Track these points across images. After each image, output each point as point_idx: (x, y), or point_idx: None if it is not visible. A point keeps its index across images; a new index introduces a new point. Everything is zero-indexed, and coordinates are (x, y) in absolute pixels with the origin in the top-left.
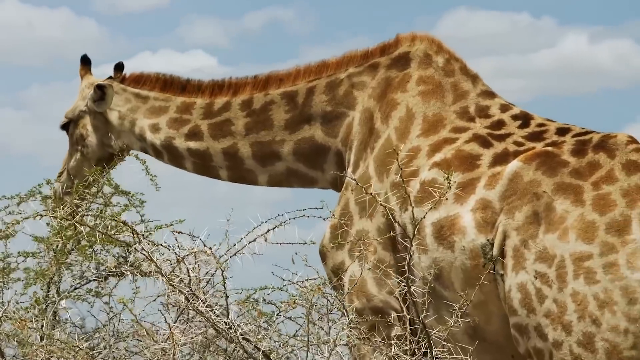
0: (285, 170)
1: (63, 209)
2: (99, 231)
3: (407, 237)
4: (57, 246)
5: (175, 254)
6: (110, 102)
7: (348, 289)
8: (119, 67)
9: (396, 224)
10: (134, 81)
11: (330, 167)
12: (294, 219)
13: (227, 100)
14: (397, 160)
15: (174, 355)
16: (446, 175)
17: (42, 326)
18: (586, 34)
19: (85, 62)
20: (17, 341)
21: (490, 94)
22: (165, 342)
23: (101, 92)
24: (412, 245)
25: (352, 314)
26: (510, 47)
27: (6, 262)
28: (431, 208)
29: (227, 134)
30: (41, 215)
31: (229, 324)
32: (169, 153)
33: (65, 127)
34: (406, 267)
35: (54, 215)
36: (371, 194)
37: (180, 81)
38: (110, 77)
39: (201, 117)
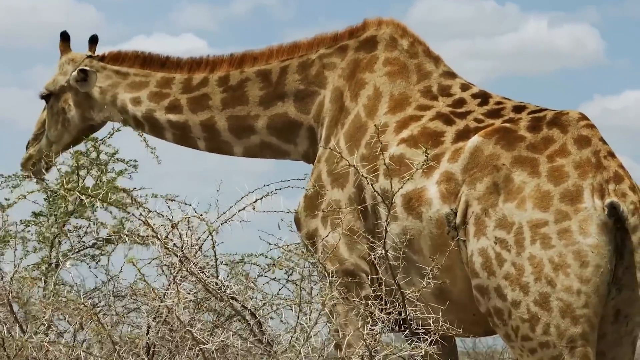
0: (259, 142)
1: (66, 178)
2: (99, 199)
3: (378, 205)
4: (58, 210)
5: (169, 220)
6: (93, 84)
7: (328, 253)
8: (94, 40)
9: (375, 193)
10: (113, 59)
11: (303, 142)
12: (280, 189)
13: (205, 76)
14: (378, 135)
15: (176, 312)
16: (424, 150)
17: (52, 284)
18: (546, 19)
19: (65, 38)
20: (19, 300)
21: (451, 74)
22: (170, 300)
23: (84, 75)
24: (389, 213)
25: (333, 276)
26: (477, 31)
27: (5, 230)
28: (409, 179)
29: (205, 108)
30: (41, 189)
31: (219, 285)
32: (149, 124)
33: (45, 98)
34: (384, 233)
35: (50, 186)
36: (354, 166)
37: (159, 58)
38: (90, 56)
39: (180, 91)
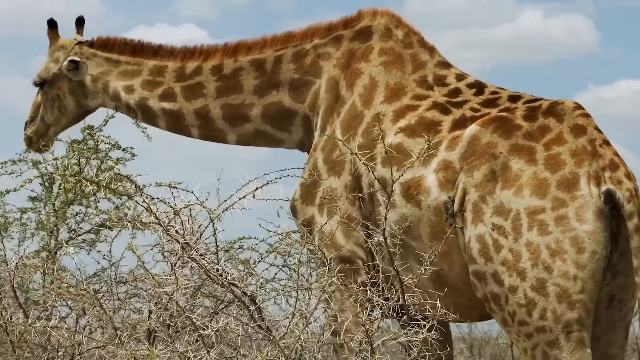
0: (253, 130)
1: (69, 162)
2: (103, 186)
3: (375, 193)
4: (56, 198)
5: (171, 207)
6: (85, 73)
7: (325, 240)
8: (80, 21)
9: (375, 181)
10: (102, 46)
11: (297, 130)
12: (280, 178)
13: (199, 65)
14: (379, 123)
15: (175, 298)
16: (426, 138)
17: (55, 270)
18: (542, 10)
19: (53, 25)
20: (21, 286)
21: (446, 65)
22: (170, 286)
23: (75, 65)
24: (389, 200)
25: (331, 262)
26: (473, 21)
27: (4, 217)
28: (409, 167)
29: (199, 96)
30: (46, 173)
31: (219, 271)
32: (142, 112)
33: (39, 85)
34: (383, 220)
35: (58, 173)
36: (355, 153)
37: (151, 47)
38: (79, 42)
39: (174, 79)
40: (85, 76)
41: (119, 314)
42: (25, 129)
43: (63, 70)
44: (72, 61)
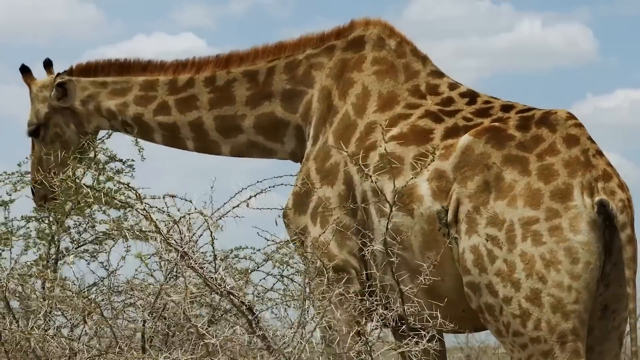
0: (246, 141)
1: (64, 172)
2: (104, 193)
3: (369, 203)
4: (57, 207)
5: (169, 215)
6: (74, 95)
7: (322, 250)
8: (48, 63)
9: (368, 191)
10: (83, 72)
11: (290, 140)
12: (273, 187)
13: (191, 77)
14: (383, 134)
15: (183, 307)
16: (432, 150)
17: (58, 278)
18: (540, 19)
19: (26, 70)
20: (19, 296)
21: (439, 74)
22: (176, 295)
23: (63, 89)
24: (391, 210)
25: (329, 272)
26: (471, 30)
27: (9, 226)
28: (412, 178)
29: (193, 108)
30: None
31: (218, 280)
32: (139, 127)
33: (34, 133)
34: (385, 230)
35: (52, 179)
36: (360, 165)
37: (140, 63)
38: (58, 74)
39: (167, 93)
40: (75, 101)
41: (116, 323)
42: (34, 193)
43: (52, 102)
44: (58, 85)
